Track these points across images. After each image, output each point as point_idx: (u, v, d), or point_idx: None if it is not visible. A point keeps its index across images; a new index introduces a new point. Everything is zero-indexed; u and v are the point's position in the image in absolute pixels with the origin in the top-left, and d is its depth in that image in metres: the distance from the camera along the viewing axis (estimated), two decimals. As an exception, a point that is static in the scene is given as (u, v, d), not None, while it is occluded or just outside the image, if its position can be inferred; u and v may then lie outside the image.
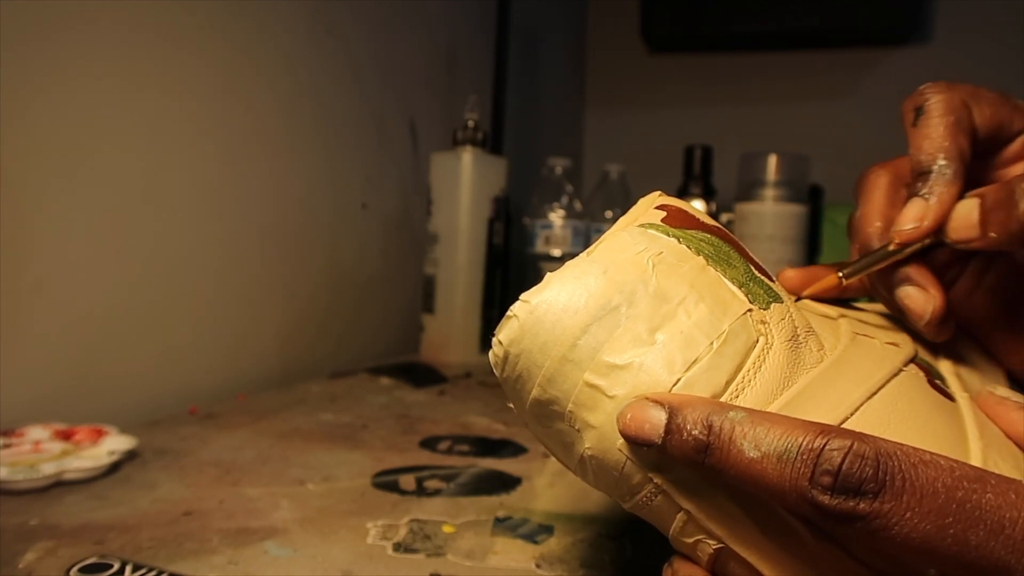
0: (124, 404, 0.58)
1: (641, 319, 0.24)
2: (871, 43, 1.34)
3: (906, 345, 0.28)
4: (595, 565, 0.34)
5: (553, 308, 0.24)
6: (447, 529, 0.38)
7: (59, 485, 0.42)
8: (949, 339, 0.32)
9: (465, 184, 0.88)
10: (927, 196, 0.28)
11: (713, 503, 0.23)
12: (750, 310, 0.25)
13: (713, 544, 0.23)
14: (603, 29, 1.54)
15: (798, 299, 0.31)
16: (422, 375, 0.78)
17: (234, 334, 0.71)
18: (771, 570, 0.22)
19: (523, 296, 0.25)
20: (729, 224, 0.94)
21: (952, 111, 0.29)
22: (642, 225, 0.27)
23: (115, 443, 0.46)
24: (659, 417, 0.22)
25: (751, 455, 0.21)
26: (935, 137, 0.28)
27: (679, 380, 0.23)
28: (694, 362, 0.24)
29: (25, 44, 0.50)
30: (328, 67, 0.81)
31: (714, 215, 0.95)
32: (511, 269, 0.95)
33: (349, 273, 0.87)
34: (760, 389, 0.23)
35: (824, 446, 0.20)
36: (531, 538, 0.37)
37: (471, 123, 0.89)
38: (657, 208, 0.28)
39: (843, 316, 0.29)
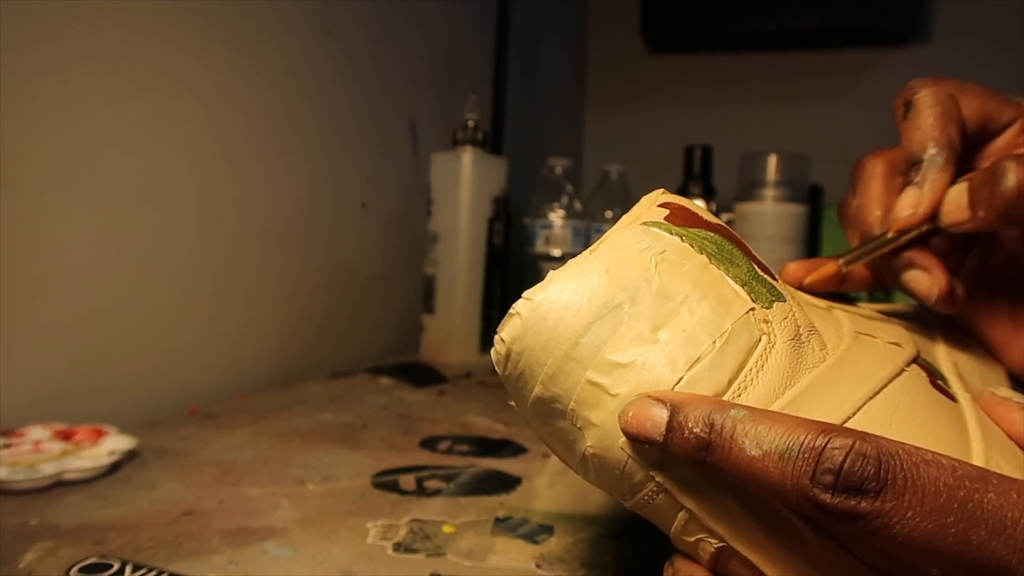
0: (124, 404, 0.58)
1: (644, 317, 0.24)
2: (871, 43, 1.34)
3: (908, 345, 0.28)
4: (595, 565, 0.34)
5: (556, 306, 0.24)
6: (447, 529, 0.38)
7: (59, 485, 0.42)
8: (950, 340, 0.32)
9: (465, 184, 0.88)
10: (920, 184, 0.29)
11: (715, 501, 0.23)
12: (753, 309, 0.25)
13: (714, 543, 0.23)
14: (603, 29, 1.54)
15: (800, 288, 0.31)
16: (422, 375, 0.78)
17: (234, 334, 0.71)
18: (772, 569, 0.22)
19: (526, 294, 0.25)
20: (729, 224, 0.94)
21: (940, 103, 0.30)
22: (645, 223, 0.27)
23: (115, 443, 0.46)
24: (661, 415, 0.22)
25: (752, 453, 0.21)
26: (925, 128, 0.29)
27: (681, 378, 0.23)
28: (697, 361, 0.23)
29: (25, 44, 0.50)
30: (328, 67, 0.81)
31: (714, 215, 0.95)
32: (511, 269, 0.95)
33: (349, 273, 0.87)
34: (762, 388, 0.23)
35: (826, 445, 0.20)
36: (531, 538, 0.37)
37: (471, 123, 0.89)
38: (660, 206, 0.28)
39: (846, 314, 0.29)
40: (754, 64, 1.42)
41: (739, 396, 0.23)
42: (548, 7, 1.38)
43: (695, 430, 0.22)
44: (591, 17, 1.55)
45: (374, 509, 0.40)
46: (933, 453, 0.20)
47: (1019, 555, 0.19)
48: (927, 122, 0.29)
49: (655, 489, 0.24)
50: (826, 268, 0.32)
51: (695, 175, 1.00)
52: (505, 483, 0.45)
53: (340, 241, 0.85)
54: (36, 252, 0.52)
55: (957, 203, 0.28)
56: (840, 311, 0.30)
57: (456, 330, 0.88)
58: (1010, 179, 0.26)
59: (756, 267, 0.27)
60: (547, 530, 0.38)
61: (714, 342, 0.24)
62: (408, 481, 0.45)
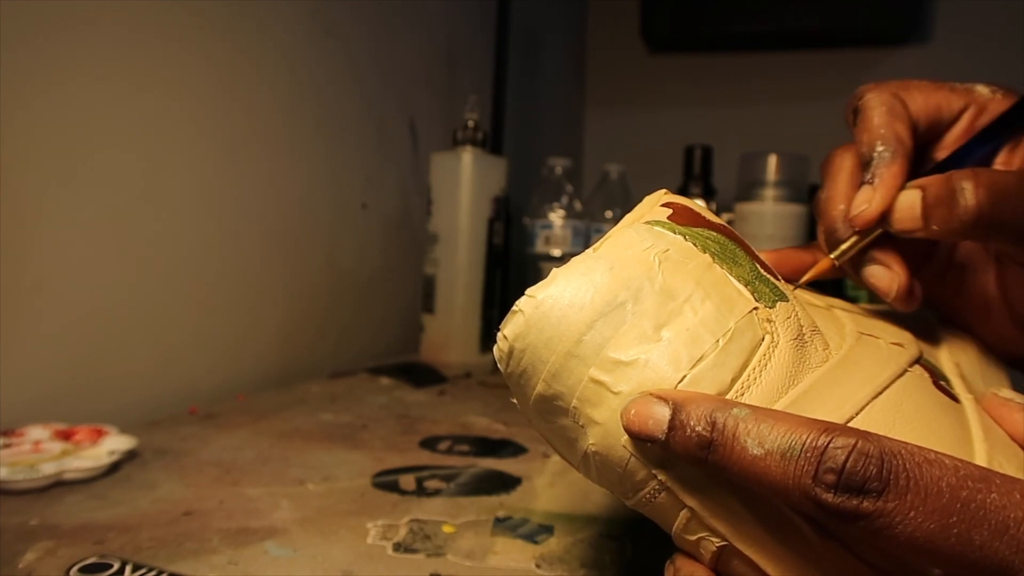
0: (124, 404, 0.58)
1: (647, 316, 0.24)
2: (871, 43, 1.34)
3: (911, 346, 0.28)
4: (595, 565, 0.34)
5: (559, 303, 0.24)
6: (447, 529, 0.38)
7: (59, 485, 0.42)
8: (953, 341, 0.32)
9: (465, 184, 0.87)
10: (871, 180, 0.29)
11: (716, 500, 0.23)
12: (756, 308, 0.25)
13: (716, 542, 0.23)
14: (603, 29, 1.53)
15: (796, 286, 0.31)
16: (422, 375, 0.78)
17: (234, 334, 0.71)
18: (774, 568, 0.22)
19: (529, 291, 0.25)
20: (729, 224, 0.94)
21: (884, 103, 0.31)
22: (648, 222, 0.27)
23: (115, 443, 0.46)
24: (663, 413, 0.22)
25: (754, 452, 0.21)
26: (872, 128, 0.30)
27: (684, 377, 0.23)
28: (700, 359, 0.23)
29: (25, 44, 0.50)
30: (328, 67, 0.81)
31: (715, 215, 0.95)
32: (511, 269, 0.95)
33: (349, 273, 0.87)
34: (765, 387, 0.23)
35: (828, 444, 0.20)
36: (531, 538, 0.37)
37: (471, 123, 0.89)
38: (663, 205, 0.28)
39: (847, 314, 0.29)
40: (754, 64, 1.42)
41: (742, 395, 0.23)
42: (548, 7, 1.38)
43: (697, 428, 0.22)
44: (591, 17, 1.55)
45: (374, 509, 0.40)
46: (936, 453, 0.20)
47: (1021, 555, 0.19)
48: (873, 122, 0.30)
49: (657, 487, 0.24)
50: (822, 265, 0.32)
51: (695, 175, 1.00)
52: (505, 483, 0.45)
53: (340, 241, 0.85)
54: (36, 252, 0.52)
55: (910, 212, 0.28)
56: (841, 311, 0.30)
57: (456, 330, 0.88)
58: (967, 199, 0.26)
59: (759, 267, 0.27)
60: (547, 530, 0.38)
61: (717, 341, 0.24)
62: (408, 481, 0.45)
